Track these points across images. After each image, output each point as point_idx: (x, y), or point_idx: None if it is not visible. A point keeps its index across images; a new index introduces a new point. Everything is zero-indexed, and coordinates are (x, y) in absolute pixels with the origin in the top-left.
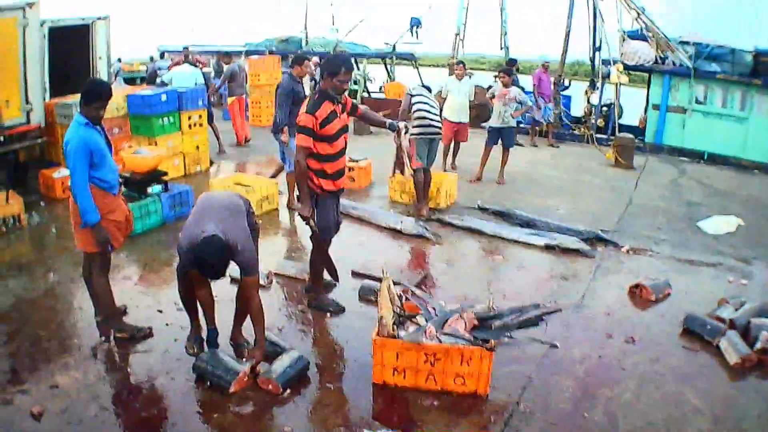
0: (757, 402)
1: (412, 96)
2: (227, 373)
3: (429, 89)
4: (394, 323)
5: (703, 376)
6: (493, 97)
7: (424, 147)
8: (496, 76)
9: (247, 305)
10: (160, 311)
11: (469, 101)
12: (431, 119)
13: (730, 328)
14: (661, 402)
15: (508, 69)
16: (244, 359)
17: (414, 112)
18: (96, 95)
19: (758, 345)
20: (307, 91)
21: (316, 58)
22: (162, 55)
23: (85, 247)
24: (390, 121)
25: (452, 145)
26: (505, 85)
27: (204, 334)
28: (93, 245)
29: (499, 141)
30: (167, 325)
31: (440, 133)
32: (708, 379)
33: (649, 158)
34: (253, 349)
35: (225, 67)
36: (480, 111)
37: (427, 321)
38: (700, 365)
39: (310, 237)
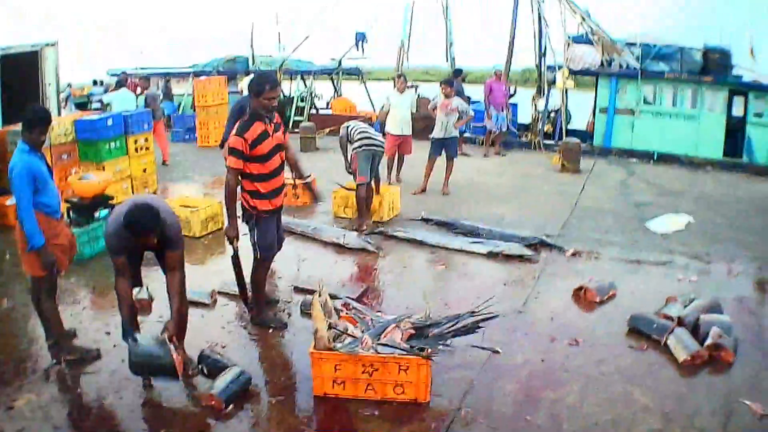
0: (709, 398)
1: (348, 127)
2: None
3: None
4: (332, 337)
5: (651, 374)
6: (435, 108)
7: (367, 161)
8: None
9: (171, 280)
10: (108, 333)
11: (413, 114)
12: (373, 135)
13: (678, 325)
14: (608, 402)
15: (449, 80)
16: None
17: (354, 133)
18: (36, 122)
19: (709, 341)
20: None
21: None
22: (94, 82)
23: (33, 271)
24: (302, 171)
25: (396, 158)
26: (447, 96)
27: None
28: (39, 269)
29: (443, 152)
30: (114, 346)
31: (382, 148)
32: (657, 378)
33: (597, 161)
34: (168, 322)
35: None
36: (426, 123)
37: (364, 332)
38: (648, 364)
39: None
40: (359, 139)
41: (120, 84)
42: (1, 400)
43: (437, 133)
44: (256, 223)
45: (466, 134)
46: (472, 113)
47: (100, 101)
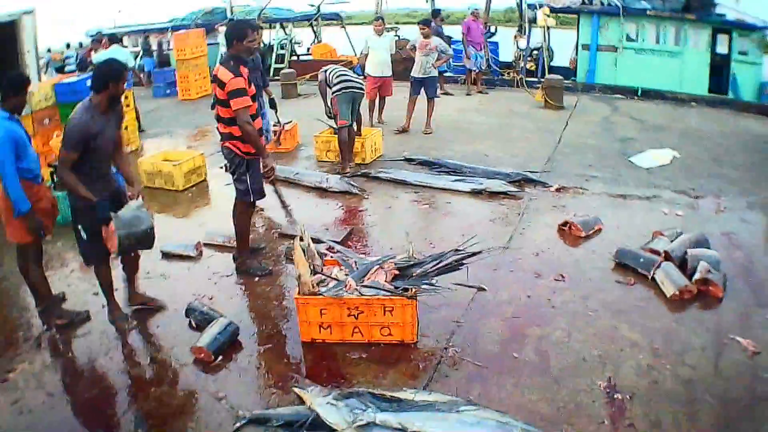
0: (699, 334)
1: (326, 71)
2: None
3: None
4: (316, 282)
5: (639, 309)
6: (414, 48)
7: (348, 104)
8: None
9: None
10: (96, 294)
11: (392, 55)
12: (352, 78)
13: (665, 259)
14: (595, 338)
15: (427, 20)
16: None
17: (333, 77)
18: (13, 87)
19: (697, 275)
20: None
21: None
22: (67, 45)
23: (18, 238)
24: None
25: (377, 100)
26: (426, 36)
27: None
28: (26, 235)
29: (423, 91)
30: (103, 306)
31: (362, 90)
32: (645, 313)
33: (580, 98)
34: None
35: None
36: (407, 65)
37: (348, 275)
38: (636, 299)
39: (235, 203)
40: (338, 83)
41: (113, 41)
42: None
43: (416, 72)
44: (248, 167)
45: (448, 74)
46: (451, 52)
47: (80, 62)
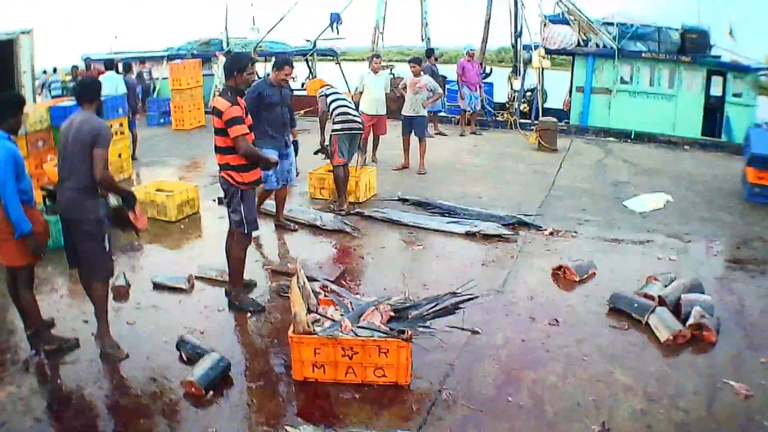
0: (692, 378)
1: (327, 96)
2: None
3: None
4: (311, 321)
5: (633, 354)
6: (405, 87)
7: (346, 143)
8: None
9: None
10: (86, 321)
11: (386, 94)
12: (352, 116)
13: (659, 304)
14: (590, 383)
15: (417, 58)
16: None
17: (334, 110)
18: (10, 108)
19: (691, 320)
20: None
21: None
22: (54, 70)
23: (12, 261)
24: None
25: (371, 138)
26: (416, 74)
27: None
28: (20, 258)
29: (412, 130)
30: (92, 334)
31: (362, 129)
32: (638, 358)
33: (574, 140)
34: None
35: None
36: (401, 103)
37: (343, 315)
38: (630, 344)
39: (230, 234)
40: (340, 122)
41: (108, 67)
42: None
43: (406, 110)
44: (242, 198)
45: (442, 113)
46: (440, 91)
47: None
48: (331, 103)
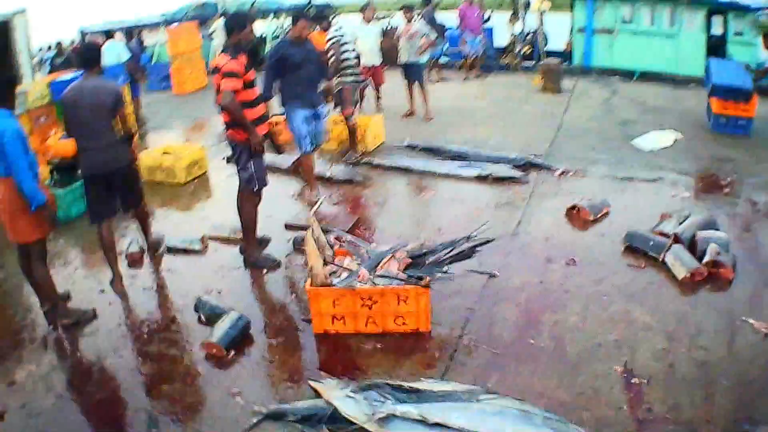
0: (711, 317)
1: (341, 45)
2: None
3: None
4: (328, 272)
5: (651, 293)
6: (400, 36)
7: (355, 93)
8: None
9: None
10: (102, 291)
11: (381, 42)
12: (355, 68)
13: (674, 242)
14: (610, 323)
15: (410, 5)
16: None
17: (344, 60)
18: (8, 87)
19: (707, 258)
20: None
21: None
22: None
23: (25, 237)
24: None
25: (370, 88)
26: (409, 21)
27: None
28: (33, 233)
29: (410, 77)
30: (110, 304)
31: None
32: (657, 296)
33: (578, 81)
34: None
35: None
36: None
37: (360, 265)
38: (647, 282)
39: (240, 193)
40: (351, 73)
41: (108, 37)
42: (1, 376)
43: (402, 58)
44: (251, 155)
45: (445, 58)
46: (433, 36)
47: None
48: (343, 52)
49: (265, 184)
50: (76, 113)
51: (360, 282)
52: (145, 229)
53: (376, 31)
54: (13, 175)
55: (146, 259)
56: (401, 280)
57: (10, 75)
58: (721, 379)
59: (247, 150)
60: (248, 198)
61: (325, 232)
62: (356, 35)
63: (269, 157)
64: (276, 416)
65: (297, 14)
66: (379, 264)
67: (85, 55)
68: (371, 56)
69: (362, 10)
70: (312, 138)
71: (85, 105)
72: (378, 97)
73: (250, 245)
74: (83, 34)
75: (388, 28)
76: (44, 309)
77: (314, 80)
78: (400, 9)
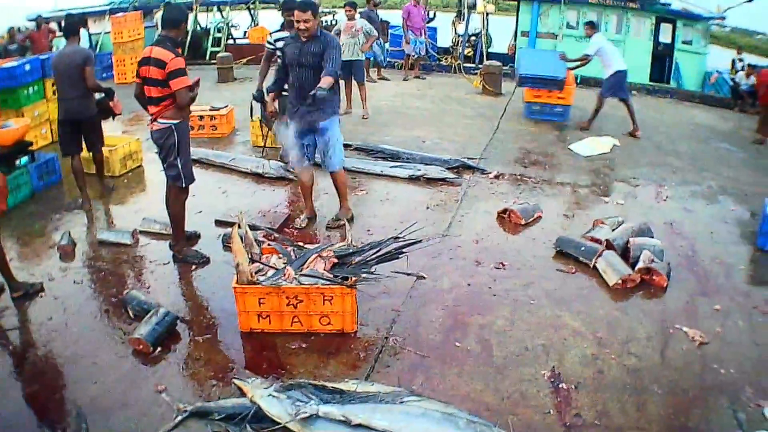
0: (644, 323)
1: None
2: None
3: None
4: (254, 270)
5: (581, 299)
6: (340, 32)
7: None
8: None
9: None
10: (33, 285)
11: None
12: None
13: (607, 248)
14: (538, 327)
15: (352, 2)
16: None
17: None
18: None
19: (640, 264)
20: None
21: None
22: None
23: None
24: None
25: None
26: (350, 18)
27: None
28: None
29: (351, 74)
30: (41, 297)
31: None
32: (587, 302)
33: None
34: None
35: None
36: None
37: (286, 264)
38: (577, 288)
39: (168, 189)
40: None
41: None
42: None
43: (343, 55)
44: (179, 152)
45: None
46: (375, 34)
47: (20, 48)
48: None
49: (192, 181)
50: (57, 71)
51: (285, 281)
52: (99, 172)
53: None
54: None
55: (77, 253)
56: (327, 279)
57: None
58: (653, 386)
59: (175, 144)
60: (176, 194)
61: (253, 229)
62: None
63: (202, 152)
64: (201, 414)
65: (285, 3)
66: (305, 263)
67: (67, 27)
68: None
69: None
70: (301, 153)
71: (63, 64)
72: None
73: (179, 241)
74: (39, 21)
75: (331, 23)
76: None
77: (302, 87)
78: (343, 6)
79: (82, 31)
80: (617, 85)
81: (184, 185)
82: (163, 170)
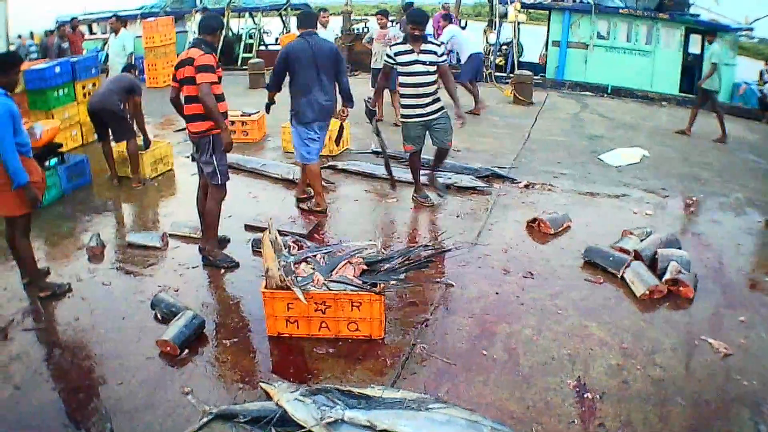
0: (669, 334)
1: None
2: None
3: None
4: (283, 276)
5: (608, 309)
6: (371, 41)
7: None
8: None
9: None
10: (60, 285)
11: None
12: None
13: (635, 259)
14: (564, 337)
15: (385, 11)
16: None
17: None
18: (9, 64)
19: (667, 275)
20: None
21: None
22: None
23: (10, 212)
24: None
25: None
26: (383, 27)
27: None
28: (18, 208)
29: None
30: (68, 297)
31: None
32: (614, 312)
33: (549, 94)
34: None
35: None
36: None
37: (315, 270)
38: (605, 298)
39: (200, 189)
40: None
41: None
42: None
43: (375, 62)
44: (214, 149)
45: None
46: None
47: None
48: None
49: (228, 179)
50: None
51: (314, 286)
52: (131, 166)
53: (333, 36)
54: (0, 152)
55: (106, 255)
56: (355, 286)
57: (9, 53)
58: (676, 397)
59: (210, 143)
60: (213, 193)
61: (283, 235)
62: None
63: (233, 156)
64: (226, 417)
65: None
66: (334, 269)
67: None
68: None
69: (320, 12)
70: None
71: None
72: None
73: (211, 243)
74: (73, 23)
75: (363, 31)
76: (25, 281)
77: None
78: (375, 14)
79: (124, 32)
80: (474, 68)
81: (219, 182)
82: (197, 172)
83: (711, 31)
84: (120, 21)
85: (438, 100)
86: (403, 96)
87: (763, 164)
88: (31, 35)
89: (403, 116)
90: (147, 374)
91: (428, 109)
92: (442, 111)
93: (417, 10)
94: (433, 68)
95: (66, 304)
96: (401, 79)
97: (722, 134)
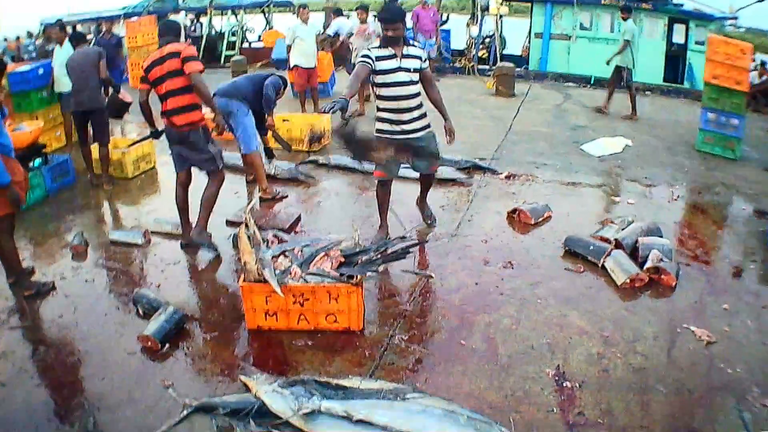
0: (651, 323)
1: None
2: None
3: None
4: (260, 269)
5: (588, 298)
6: (351, 35)
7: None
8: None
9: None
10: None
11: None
12: None
13: (615, 247)
14: (544, 326)
15: (365, 5)
16: None
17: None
18: None
19: (648, 264)
20: None
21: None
22: (29, 35)
23: None
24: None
25: (310, 90)
26: (363, 21)
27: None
28: (2, 207)
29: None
30: (51, 296)
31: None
32: (594, 301)
33: (532, 86)
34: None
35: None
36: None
37: (292, 263)
38: (585, 287)
39: (179, 185)
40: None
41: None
42: None
43: (355, 59)
44: (207, 136)
45: None
46: None
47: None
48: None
49: (224, 162)
50: (74, 70)
51: (292, 279)
52: (102, 167)
53: (314, 32)
54: None
55: (89, 253)
56: (332, 278)
57: None
58: (658, 385)
59: (203, 133)
60: (213, 178)
61: (261, 229)
62: (296, 35)
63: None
64: (206, 409)
65: None
66: (312, 262)
67: (74, 36)
68: (312, 58)
69: (297, 9)
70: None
71: (78, 63)
72: (316, 100)
73: (200, 224)
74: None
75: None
76: (10, 281)
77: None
78: (355, 9)
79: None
80: None
81: (219, 167)
82: (175, 170)
83: (625, 9)
84: (63, 31)
85: (424, 115)
86: (380, 110)
87: (748, 152)
88: (29, 35)
89: (377, 131)
90: (129, 369)
91: (410, 126)
92: (428, 129)
93: (389, 5)
94: (416, 76)
95: (50, 302)
96: (379, 91)
97: (632, 111)
